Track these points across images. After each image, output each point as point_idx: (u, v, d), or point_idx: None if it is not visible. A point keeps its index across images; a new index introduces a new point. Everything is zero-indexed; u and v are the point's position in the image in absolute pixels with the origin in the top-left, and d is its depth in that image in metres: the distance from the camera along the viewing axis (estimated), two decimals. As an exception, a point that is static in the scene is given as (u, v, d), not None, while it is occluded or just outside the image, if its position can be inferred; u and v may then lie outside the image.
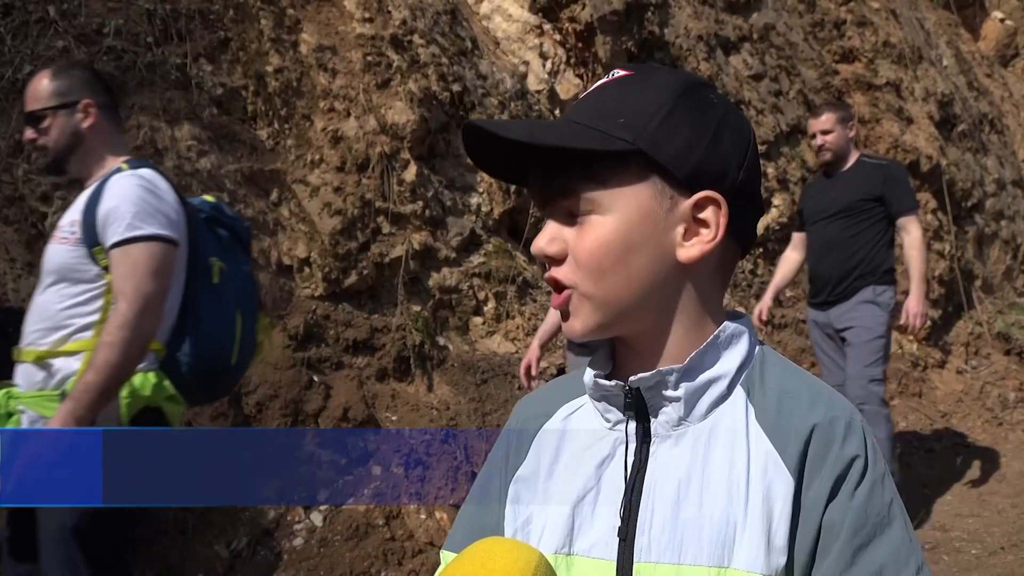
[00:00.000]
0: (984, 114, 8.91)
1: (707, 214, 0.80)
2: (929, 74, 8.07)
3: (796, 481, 0.78)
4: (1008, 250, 8.44)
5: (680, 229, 0.81)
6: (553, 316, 3.67)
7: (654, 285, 0.81)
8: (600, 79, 0.86)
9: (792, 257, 4.53)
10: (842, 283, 4.12)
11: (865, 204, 4.09)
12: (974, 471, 5.27)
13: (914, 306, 3.94)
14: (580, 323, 0.83)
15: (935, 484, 5.04)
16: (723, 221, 0.80)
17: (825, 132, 4.18)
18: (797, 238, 4.53)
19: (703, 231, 0.81)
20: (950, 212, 7.53)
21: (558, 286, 0.83)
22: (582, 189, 0.80)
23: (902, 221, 4.07)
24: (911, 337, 6.66)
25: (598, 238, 0.80)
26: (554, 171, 0.81)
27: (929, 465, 5.45)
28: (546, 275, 0.84)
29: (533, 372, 3.68)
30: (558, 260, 0.83)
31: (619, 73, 0.84)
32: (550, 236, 0.82)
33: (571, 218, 0.82)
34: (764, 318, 4.41)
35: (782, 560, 0.76)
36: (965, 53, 9.37)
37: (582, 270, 0.81)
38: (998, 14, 10.23)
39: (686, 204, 0.80)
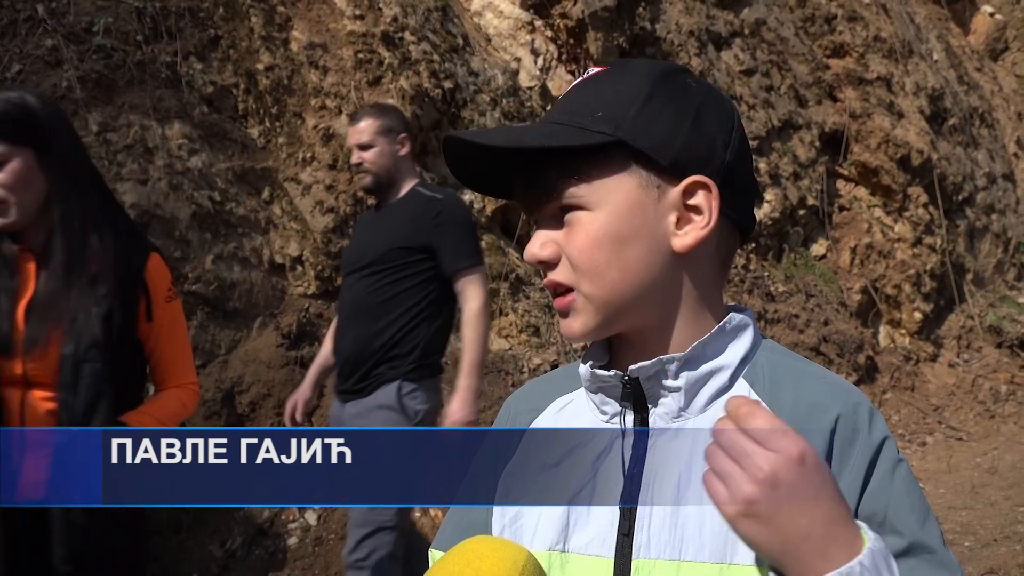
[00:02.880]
0: (974, 108, 8.94)
1: (698, 199, 0.78)
2: (920, 68, 8.09)
3: None
4: (999, 244, 8.48)
5: (672, 218, 0.79)
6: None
7: (652, 278, 0.80)
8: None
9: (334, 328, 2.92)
10: (361, 369, 2.67)
11: (405, 255, 2.65)
12: (966, 464, 5.30)
13: (456, 410, 2.59)
14: (579, 323, 0.81)
15: (927, 477, 5.07)
16: (715, 205, 0.78)
17: (363, 147, 2.73)
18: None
19: (696, 218, 0.79)
20: (941, 206, 7.56)
21: (559, 289, 0.82)
22: (565, 187, 0.78)
23: (459, 284, 2.64)
24: (903, 331, 6.69)
25: (588, 235, 0.78)
26: (537, 175, 0.80)
27: (921, 458, 5.48)
28: (545, 280, 0.83)
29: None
30: (552, 264, 0.81)
31: (595, 70, 0.83)
32: (541, 241, 0.81)
33: (559, 220, 0.80)
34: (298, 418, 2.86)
35: None
36: (955, 47, 9.40)
37: (577, 270, 0.80)
38: (988, 8, 10.27)
39: (675, 191, 0.78)
